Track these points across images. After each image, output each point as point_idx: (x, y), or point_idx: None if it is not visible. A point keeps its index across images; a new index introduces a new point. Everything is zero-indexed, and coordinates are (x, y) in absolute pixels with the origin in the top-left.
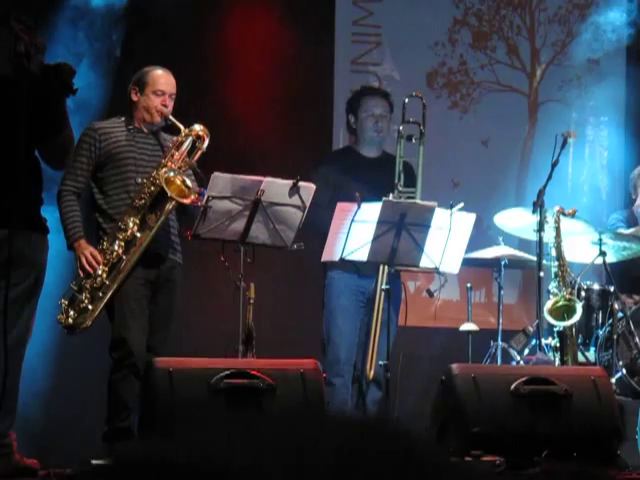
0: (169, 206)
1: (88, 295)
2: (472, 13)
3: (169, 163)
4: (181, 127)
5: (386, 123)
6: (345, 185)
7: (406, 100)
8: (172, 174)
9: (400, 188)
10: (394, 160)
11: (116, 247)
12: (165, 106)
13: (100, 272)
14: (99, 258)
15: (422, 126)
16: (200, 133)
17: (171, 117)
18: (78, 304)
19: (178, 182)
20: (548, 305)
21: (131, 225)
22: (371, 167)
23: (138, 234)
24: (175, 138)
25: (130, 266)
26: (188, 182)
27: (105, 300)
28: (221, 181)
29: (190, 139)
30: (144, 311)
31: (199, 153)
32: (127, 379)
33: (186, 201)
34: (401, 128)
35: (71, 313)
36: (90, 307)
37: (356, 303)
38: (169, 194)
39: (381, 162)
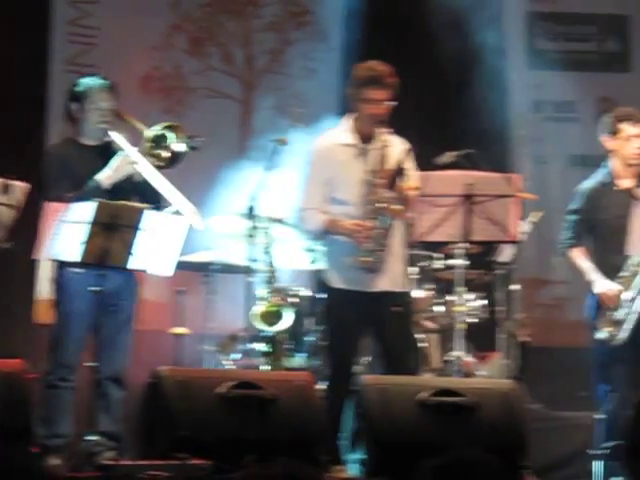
0: None
1: None
2: (188, 19)
3: None
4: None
5: (112, 115)
6: (73, 174)
7: None
8: None
9: None
10: (115, 147)
11: None
12: None
13: None
14: None
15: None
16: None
17: None
18: None
19: None
20: (258, 310)
21: None
22: (95, 155)
23: None
24: None
25: None
26: None
27: None
28: None
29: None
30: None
31: None
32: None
33: None
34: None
35: None
36: None
37: (91, 304)
38: None
39: (104, 149)
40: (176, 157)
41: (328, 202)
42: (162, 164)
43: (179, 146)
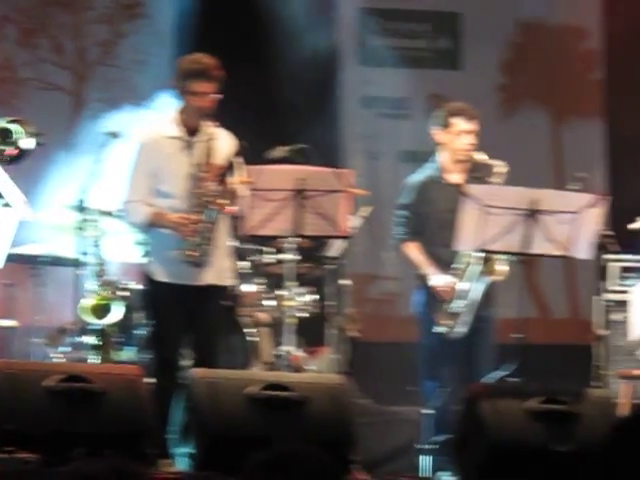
0: None
1: None
2: (18, 9)
3: None
4: None
5: None
6: None
7: None
8: None
9: None
10: None
11: None
12: None
13: None
14: None
15: None
16: None
17: None
18: None
19: None
20: (87, 303)
21: None
22: None
23: None
24: None
25: None
26: None
27: None
28: None
29: None
30: None
31: None
32: None
33: None
34: None
35: None
36: None
37: None
38: None
39: None
40: (23, 152)
41: (154, 195)
42: (7, 159)
43: (28, 142)
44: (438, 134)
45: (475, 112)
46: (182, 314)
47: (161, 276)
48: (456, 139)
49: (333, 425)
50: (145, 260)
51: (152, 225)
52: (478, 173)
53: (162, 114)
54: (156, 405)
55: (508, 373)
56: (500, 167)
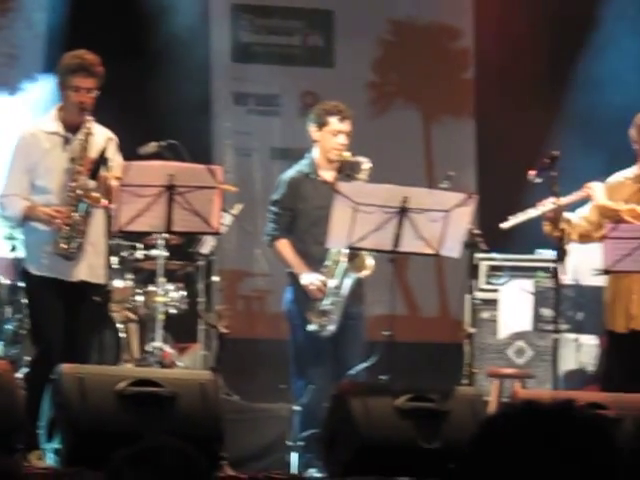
0: None
1: None
2: None
3: None
4: None
5: None
6: None
7: None
8: None
9: None
10: None
11: None
12: None
13: None
14: None
15: None
16: None
17: None
18: None
19: None
20: None
21: None
22: None
23: None
24: None
25: None
26: None
27: None
28: None
29: None
30: None
31: None
32: None
33: None
34: None
35: None
36: None
37: None
38: None
39: None
40: None
41: (31, 190)
42: None
43: None
44: (314, 132)
45: (350, 112)
46: (58, 308)
47: (36, 270)
48: (330, 138)
49: (202, 421)
50: (15, 254)
51: (26, 218)
52: (348, 171)
53: (34, 108)
54: (28, 399)
55: (368, 365)
56: (364, 164)
